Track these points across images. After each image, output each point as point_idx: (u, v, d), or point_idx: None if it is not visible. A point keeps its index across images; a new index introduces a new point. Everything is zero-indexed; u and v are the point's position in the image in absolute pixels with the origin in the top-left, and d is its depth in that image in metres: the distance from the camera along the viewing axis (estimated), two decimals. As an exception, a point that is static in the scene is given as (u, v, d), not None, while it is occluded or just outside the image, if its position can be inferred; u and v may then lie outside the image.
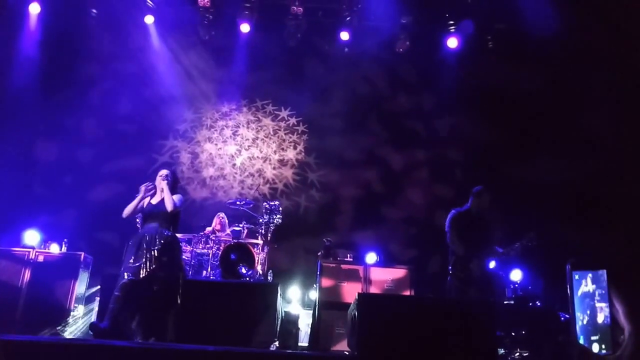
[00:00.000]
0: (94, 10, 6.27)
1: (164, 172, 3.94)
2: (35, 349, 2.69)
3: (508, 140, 6.19)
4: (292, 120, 6.84)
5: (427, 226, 5.99)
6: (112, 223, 5.24)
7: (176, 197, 3.84)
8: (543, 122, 6.06)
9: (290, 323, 4.71)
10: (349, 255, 5.04)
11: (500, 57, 6.34)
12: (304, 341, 4.89)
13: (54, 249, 4.79)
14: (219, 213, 5.54)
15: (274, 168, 6.68)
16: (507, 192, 5.85)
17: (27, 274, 4.37)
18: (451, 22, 6.33)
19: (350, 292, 4.48)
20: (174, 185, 3.93)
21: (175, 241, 3.83)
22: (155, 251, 3.58)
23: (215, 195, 6.55)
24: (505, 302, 4.98)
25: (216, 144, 6.76)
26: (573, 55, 5.72)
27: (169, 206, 3.74)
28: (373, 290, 4.66)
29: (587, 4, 5.50)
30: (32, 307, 4.26)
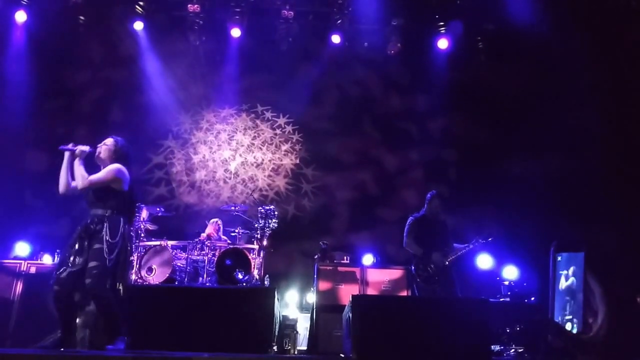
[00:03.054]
0: (82, 17, 6.21)
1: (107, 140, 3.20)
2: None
3: (500, 138, 6.25)
4: (286, 125, 6.84)
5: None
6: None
7: (106, 170, 3.06)
8: (533, 119, 6.13)
9: (288, 327, 4.71)
10: (345, 258, 5.04)
11: (490, 56, 6.42)
12: (302, 345, 4.88)
13: (47, 260, 4.72)
14: (213, 219, 5.50)
15: (267, 176, 6.66)
16: (501, 190, 5.91)
17: (20, 286, 4.30)
18: (441, 23, 6.38)
19: (348, 294, 4.47)
20: (118, 157, 3.15)
21: (107, 223, 3.02)
22: (78, 243, 3.00)
23: (206, 200, 6.51)
24: (500, 299, 5.03)
25: (211, 147, 6.73)
26: (561, 54, 5.80)
27: (79, 183, 3.00)
28: (370, 291, 4.67)
29: (574, 4, 5.59)
30: (25, 320, 4.19)
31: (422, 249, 4.49)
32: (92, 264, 3.00)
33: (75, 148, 3.14)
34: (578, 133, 5.65)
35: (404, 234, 4.63)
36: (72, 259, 3.05)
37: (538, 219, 5.65)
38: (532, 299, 5.10)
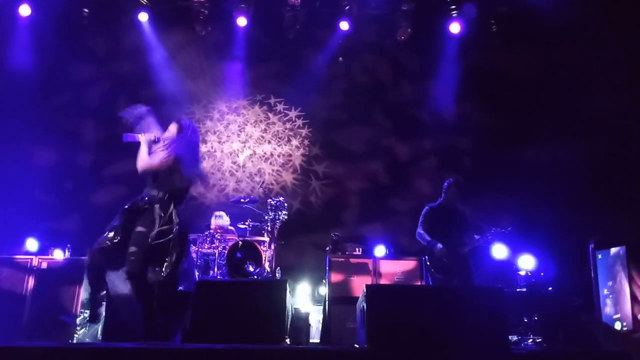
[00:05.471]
0: (86, 10, 6.15)
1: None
2: (43, 355, 2.64)
3: (516, 124, 6.08)
4: (297, 118, 6.73)
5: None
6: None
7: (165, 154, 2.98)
8: (551, 105, 5.95)
9: (301, 320, 4.65)
10: (357, 249, 4.97)
11: (504, 40, 6.22)
12: (315, 337, 4.83)
13: (58, 255, 4.72)
14: (217, 212, 5.40)
15: (276, 171, 6.58)
16: (517, 177, 5.76)
17: (31, 281, 4.31)
18: (453, 6, 6.18)
19: (360, 286, 4.41)
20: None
21: (157, 205, 2.86)
22: (120, 219, 2.92)
23: (211, 191, 6.45)
24: (517, 290, 4.93)
25: (220, 138, 6.66)
26: (579, 35, 5.59)
27: (138, 165, 2.97)
28: (383, 283, 4.59)
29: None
30: (37, 315, 4.19)
31: (432, 240, 4.38)
32: (131, 249, 2.84)
33: (137, 139, 3.10)
34: (597, 119, 5.46)
35: (418, 223, 4.54)
36: (109, 234, 2.90)
37: (555, 208, 5.50)
38: (550, 289, 4.99)
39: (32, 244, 4.87)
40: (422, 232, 4.45)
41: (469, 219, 4.57)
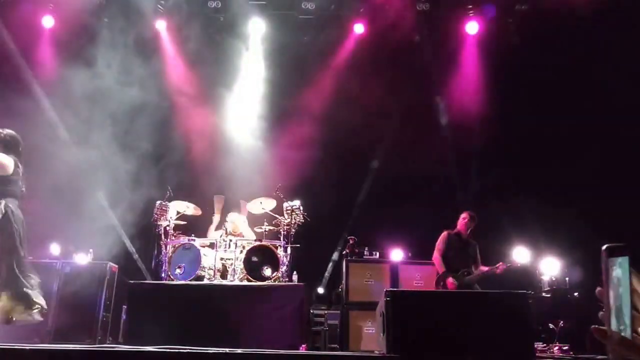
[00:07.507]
0: (106, 19, 6.31)
1: None
2: (68, 358, 2.69)
3: (535, 125, 5.91)
4: (309, 119, 6.71)
5: (455, 219, 5.78)
6: (136, 231, 5.24)
7: None
8: (571, 104, 5.76)
9: (318, 324, 4.63)
10: (374, 253, 4.91)
11: (523, 38, 6.06)
12: (332, 342, 4.79)
13: (81, 259, 4.83)
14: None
15: (289, 174, 6.57)
16: (542, 180, 5.59)
17: (56, 285, 4.41)
18: (470, 6, 6.08)
19: (378, 290, 4.36)
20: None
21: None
22: None
23: (226, 193, 6.48)
24: (542, 295, 4.79)
25: (231, 138, 6.72)
26: (598, 32, 5.39)
27: None
28: (401, 287, 4.53)
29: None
30: (63, 318, 4.28)
31: (443, 267, 4.44)
32: None
33: None
34: (625, 119, 5.25)
35: (436, 247, 4.58)
36: None
37: (580, 210, 5.31)
38: (576, 294, 4.82)
39: (56, 247, 4.99)
40: (439, 257, 4.50)
41: (478, 253, 4.59)
